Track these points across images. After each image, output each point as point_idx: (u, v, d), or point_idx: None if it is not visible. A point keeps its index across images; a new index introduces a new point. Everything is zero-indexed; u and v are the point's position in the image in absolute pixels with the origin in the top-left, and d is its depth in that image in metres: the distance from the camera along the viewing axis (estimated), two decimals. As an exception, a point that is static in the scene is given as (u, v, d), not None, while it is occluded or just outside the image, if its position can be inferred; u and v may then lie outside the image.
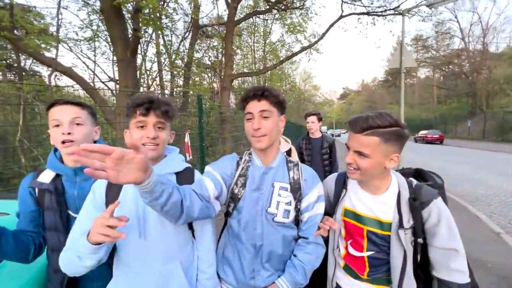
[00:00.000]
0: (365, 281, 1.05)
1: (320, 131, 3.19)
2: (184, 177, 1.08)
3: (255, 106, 1.01)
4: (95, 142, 1.18)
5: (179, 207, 0.85)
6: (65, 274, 0.89)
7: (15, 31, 6.04)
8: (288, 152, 2.34)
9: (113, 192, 0.97)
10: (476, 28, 31.46)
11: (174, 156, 1.11)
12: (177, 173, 1.07)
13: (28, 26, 7.64)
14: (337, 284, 1.13)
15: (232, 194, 1.08)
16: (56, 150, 1.14)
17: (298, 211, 1.08)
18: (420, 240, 0.95)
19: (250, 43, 16.43)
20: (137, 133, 0.97)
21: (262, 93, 1.00)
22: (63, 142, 1.04)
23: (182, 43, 12.19)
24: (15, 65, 12.03)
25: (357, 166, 0.94)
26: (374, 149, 0.89)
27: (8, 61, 11.80)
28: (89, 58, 11.38)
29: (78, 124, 1.08)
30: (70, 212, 1.08)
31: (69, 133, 1.04)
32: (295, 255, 1.07)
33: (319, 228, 1.07)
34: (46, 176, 1.09)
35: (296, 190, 1.06)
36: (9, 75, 12.98)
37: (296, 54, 12.63)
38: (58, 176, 1.09)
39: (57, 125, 1.05)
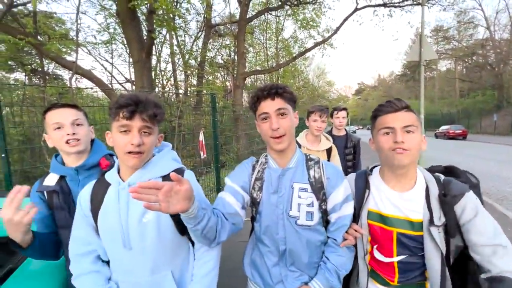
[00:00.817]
0: None
1: (345, 128, 2.89)
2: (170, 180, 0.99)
3: (270, 105, 0.96)
4: (92, 140, 1.23)
5: (215, 230, 0.89)
6: None
7: (38, 37, 6.34)
8: (329, 151, 2.24)
9: (96, 202, 0.95)
10: (503, 16, 29.64)
11: (160, 157, 1.00)
12: (163, 176, 0.96)
13: (50, 32, 8.03)
14: None
15: (252, 199, 1.06)
16: (56, 156, 1.19)
17: (324, 212, 1.01)
18: (459, 244, 0.88)
19: (262, 41, 16.35)
20: (120, 138, 0.87)
21: (276, 91, 0.96)
22: (67, 142, 1.08)
23: (195, 42, 12.35)
24: (39, 69, 12.69)
25: (407, 145, 0.87)
26: (416, 124, 0.91)
27: (33, 66, 12.46)
28: (106, 60, 11.84)
29: (78, 124, 1.14)
30: None
31: (73, 134, 1.09)
32: (327, 258, 1.02)
33: (344, 238, 1.01)
34: (51, 179, 1.14)
35: (319, 190, 1.00)
36: (34, 79, 13.73)
37: (309, 50, 12.44)
38: (62, 178, 1.15)
39: (59, 128, 1.10)
